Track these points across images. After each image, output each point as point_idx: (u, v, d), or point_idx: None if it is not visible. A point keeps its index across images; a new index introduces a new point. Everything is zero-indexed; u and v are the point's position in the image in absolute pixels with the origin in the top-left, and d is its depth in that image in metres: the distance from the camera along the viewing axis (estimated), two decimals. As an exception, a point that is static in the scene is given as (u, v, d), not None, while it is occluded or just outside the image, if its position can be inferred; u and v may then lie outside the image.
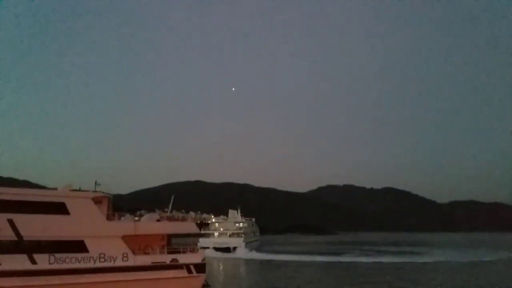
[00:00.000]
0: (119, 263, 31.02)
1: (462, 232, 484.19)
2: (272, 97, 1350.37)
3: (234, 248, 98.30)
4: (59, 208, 30.36)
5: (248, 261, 75.75)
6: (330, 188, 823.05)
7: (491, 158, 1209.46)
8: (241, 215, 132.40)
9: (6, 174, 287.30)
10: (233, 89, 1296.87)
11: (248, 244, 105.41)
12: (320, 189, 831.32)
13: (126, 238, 32.07)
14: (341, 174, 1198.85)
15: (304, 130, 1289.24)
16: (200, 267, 34.82)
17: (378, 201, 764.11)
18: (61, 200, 30.67)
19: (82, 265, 29.72)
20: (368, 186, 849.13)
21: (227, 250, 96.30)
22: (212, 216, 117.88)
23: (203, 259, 35.66)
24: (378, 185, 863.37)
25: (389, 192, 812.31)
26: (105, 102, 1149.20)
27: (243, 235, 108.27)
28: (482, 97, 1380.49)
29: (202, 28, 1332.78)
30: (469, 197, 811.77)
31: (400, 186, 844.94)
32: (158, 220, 36.00)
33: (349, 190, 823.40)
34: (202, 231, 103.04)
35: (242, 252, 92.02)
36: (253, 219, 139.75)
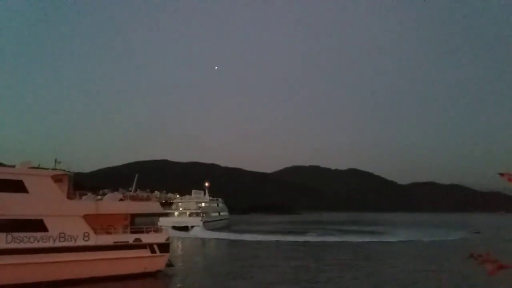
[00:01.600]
0: (80, 242, 30.53)
1: (421, 212, 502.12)
2: (240, 77, 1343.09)
3: (192, 227, 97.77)
4: (17, 186, 29.39)
5: (209, 241, 75.95)
6: (296, 169, 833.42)
7: (450, 141, 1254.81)
8: (209, 195, 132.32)
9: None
10: (216, 67, 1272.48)
11: (207, 224, 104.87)
12: (286, 169, 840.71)
13: (88, 218, 31.52)
14: (308, 155, 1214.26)
15: (271, 111, 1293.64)
16: (164, 247, 34.79)
17: (342, 181, 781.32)
18: (19, 177, 29.68)
19: (41, 245, 29.06)
20: (333, 167, 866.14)
21: (185, 229, 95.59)
22: (178, 196, 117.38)
23: (167, 239, 35.63)
24: (342, 166, 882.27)
25: (353, 173, 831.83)
26: (70, 77, 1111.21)
27: (203, 215, 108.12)
28: (440, 81, 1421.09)
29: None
30: (429, 178, 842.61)
31: (363, 167, 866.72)
32: (121, 200, 35.58)
33: (315, 171, 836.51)
34: (165, 211, 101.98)
35: (197, 231, 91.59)
36: (219, 199, 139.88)
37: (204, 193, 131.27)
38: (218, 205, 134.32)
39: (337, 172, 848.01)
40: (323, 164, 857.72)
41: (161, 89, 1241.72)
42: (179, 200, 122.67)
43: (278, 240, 73.03)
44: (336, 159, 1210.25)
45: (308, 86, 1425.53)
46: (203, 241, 75.58)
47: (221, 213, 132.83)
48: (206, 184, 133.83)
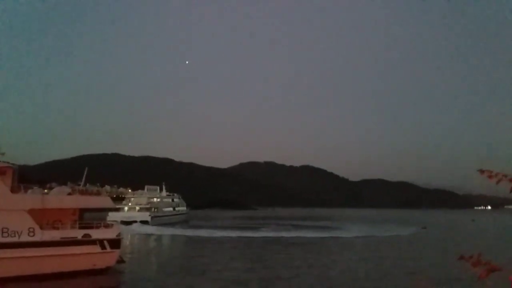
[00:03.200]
0: (25, 238, 29.15)
1: (371, 208, 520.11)
2: (195, 73, 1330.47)
3: (144, 222, 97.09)
4: None
5: (162, 237, 74.61)
6: (251, 165, 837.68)
7: (398, 140, 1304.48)
8: (165, 191, 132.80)
9: None
10: (187, 62, 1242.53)
11: (156, 219, 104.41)
12: (241, 165, 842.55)
13: (33, 212, 30.13)
14: (263, 152, 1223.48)
15: (227, 107, 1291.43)
16: (115, 243, 33.87)
17: (296, 178, 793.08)
18: (-42, 170, 27.95)
19: (-18, 240, 27.49)
20: (287, 164, 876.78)
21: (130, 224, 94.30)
22: (130, 190, 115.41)
23: (118, 235, 34.72)
24: (297, 163, 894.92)
25: (307, 170, 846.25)
26: (21, 65, 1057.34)
27: (155, 210, 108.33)
28: (393, 80, 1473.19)
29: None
30: (378, 176, 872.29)
31: (317, 164, 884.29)
32: (69, 194, 34.30)
33: (270, 167, 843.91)
34: (117, 206, 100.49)
35: (137, 227, 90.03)
36: (175, 194, 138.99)
37: (161, 189, 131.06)
38: (173, 200, 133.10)
39: (291, 168, 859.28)
40: (278, 160, 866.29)
41: (115, 81, 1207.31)
42: (131, 195, 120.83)
43: (231, 236, 72.79)
44: (291, 156, 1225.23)
45: (265, 82, 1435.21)
46: (158, 237, 74.21)
47: (176, 208, 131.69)
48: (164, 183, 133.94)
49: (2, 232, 28.36)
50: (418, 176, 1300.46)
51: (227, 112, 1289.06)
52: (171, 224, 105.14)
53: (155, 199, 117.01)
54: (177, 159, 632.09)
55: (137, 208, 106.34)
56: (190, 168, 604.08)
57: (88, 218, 36.41)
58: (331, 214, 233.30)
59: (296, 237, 71.47)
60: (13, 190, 30.74)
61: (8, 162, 31.32)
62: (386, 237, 75.24)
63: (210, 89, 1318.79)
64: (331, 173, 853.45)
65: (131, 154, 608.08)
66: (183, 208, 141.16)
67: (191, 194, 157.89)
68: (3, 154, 31.72)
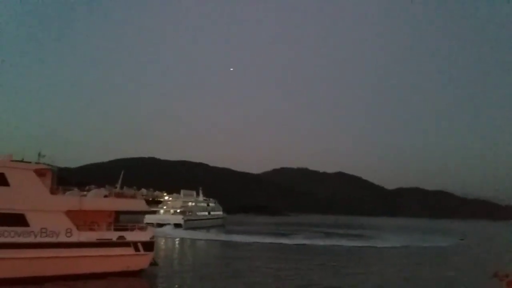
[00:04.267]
0: (62, 238, 29.87)
1: (407, 217, 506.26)
2: (230, 79, 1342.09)
3: (178, 225, 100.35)
4: None
5: (196, 241, 75.00)
6: (284, 171, 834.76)
7: (437, 148, 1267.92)
8: (202, 195, 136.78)
9: None
10: (231, 69, 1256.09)
11: (190, 222, 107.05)
12: (274, 171, 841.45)
13: (71, 213, 30.88)
14: (296, 158, 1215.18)
15: (261, 113, 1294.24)
16: (148, 245, 34.26)
17: (329, 185, 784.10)
18: (0, 170, 28.97)
19: (22, 239, 28.39)
20: (321, 170, 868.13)
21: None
22: (165, 194, 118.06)
23: (152, 237, 35.12)
24: (331, 169, 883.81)
25: (341, 177, 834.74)
26: (59, 71, 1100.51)
27: (189, 213, 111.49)
28: (426, 88, 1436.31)
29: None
30: (415, 184, 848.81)
31: (351, 171, 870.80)
32: (106, 196, 35.03)
33: (303, 173, 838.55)
34: (152, 209, 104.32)
35: (169, 229, 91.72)
36: (211, 199, 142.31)
37: (198, 193, 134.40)
38: (208, 204, 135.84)
39: (325, 175, 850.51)
40: (312, 167, 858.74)
41: (152, 88, 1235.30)
42: (168, 199, 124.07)
43: (264, 242, 72.36)
44: (324, 162, 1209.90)
45: (301, 89, 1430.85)
46: (191, 241, 74.82)
47: (211, 213, 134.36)
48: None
49: (41, 232, 29.17)
50: (457, 185, 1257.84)
51: (260, 118, 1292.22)
52: (206, 228, 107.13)
53: (189, 203, 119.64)
54: (211, 164, 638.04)
55: (172, 211, 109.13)
56: (224, 173, 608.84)
57: (124, 220, 37.05)
58: (365, 223, 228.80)
59: (329, 246, 70.09)
60: (52, 191, 31.61)
61: (48, 164, 32.26)
62: (423, 248, 72.93)
63: (244, 94, 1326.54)
64: (366, 181, 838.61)
65: (167, 158, 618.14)
66: (219, 213, 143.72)
67: (224, 199, 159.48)
68: (43, 156, 32.71)
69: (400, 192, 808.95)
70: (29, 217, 28.93)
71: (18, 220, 28.61)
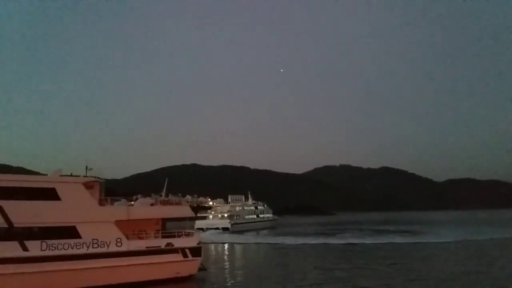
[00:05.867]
0: (113, 248, 30.58)
1: (460, 210, 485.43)
2: (267, 80, 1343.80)
3: (225, 229, 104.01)
4: (50, 194, 29.74)
5: (245, 245, 74.90)
6: (326, 169, 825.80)
7: (488, 136, 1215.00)
8: (251, 199, 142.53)
9: (1, 160, 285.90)
10: (281, 70, 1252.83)
11: (237, 225, 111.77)
12: (316, 170, 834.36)
13: (119, 223, 31.58)
14: (338, 155, 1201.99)
15: (299, 111, 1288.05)
16: (196, 251, 34.57)
17: (375, 180, 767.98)
18: (52, 185, 30.01)
19: (75, 251, 29.25)
20: (365, 166, 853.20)
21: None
22: (209, 199, 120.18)
23: (199, 243, 35.41)
24: (375, 164, 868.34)
25: (386, 172, 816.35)
26: (101, 85, 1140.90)
27: (237, 217, 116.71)
28: (478, 75, 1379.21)
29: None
30: (466, 175, 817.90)
31: (396, 165, 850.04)
32: (152, 205, 35.64)
33: (346, 170, 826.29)
34: (200, 214, 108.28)
35: (209, 234, 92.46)
36: (259, 202, 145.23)
37: (246, 197, 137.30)
38: (257, 207, 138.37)
39: (369, 170, 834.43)
40: (354, 163, 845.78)
41: (189, 95, 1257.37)
42: (216, 204, 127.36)
43: (312, 243, 71.12)
44: (367, 158, 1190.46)
45: (334, 86, 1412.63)
46: (239, 244, 74.76)
47: (260, 216, 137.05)
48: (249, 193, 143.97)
49: (93, 243, 29.98)
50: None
51: (299, 116, 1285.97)
52: (255, 231, 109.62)
53: (237, 207, 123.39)
54: (252, 166, 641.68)
55: (220, 216, 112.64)
56: (266, 175, 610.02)
57: (170, 227, 37.59)
58: (415, 218, 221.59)
59: (381, 244, 67.71)
60: (101, 203, 32.50)
61: (95, 177, 33.19)
62: (482, 241, 68.94)
63: (281, 96, 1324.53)
64: (413, 174, 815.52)
65: (209, 164, 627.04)
66: (269, 215, 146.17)
67: (267, 201, 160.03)
68: (90, 169, 33.68)
69: (450, 184, 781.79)
70: (81, 229, 29.79)
71: (71, 232, 29.53)
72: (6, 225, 27.91)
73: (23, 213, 28.38)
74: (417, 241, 70.96)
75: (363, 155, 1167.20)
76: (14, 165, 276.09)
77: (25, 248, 28.00)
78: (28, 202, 29.07)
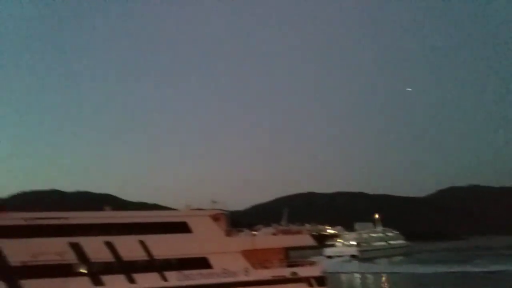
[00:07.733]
0: (241, 277, 31.77)
1: None
2: (378, 99, 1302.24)
3: (353, 256, 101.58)
4: (182, 227, 32.21)
5: (370, 273, 71.64)
6: (452, 190, 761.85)
7: None
8: (381, 226, 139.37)
9: (137, 199, 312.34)
10: (409, 89, 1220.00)
11: (365, 252, 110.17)
12: (441, 191, 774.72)
13: (246, 253, 32.79)
14: (464, 174, 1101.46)
15: (418, 130, 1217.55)
16: (321, 280, 34.29)
17: (509, 200, 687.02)
18: (183, 219, 32.52)
19: (207, 281, 30.99)
20: (496, 185, 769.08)
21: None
22: (329, 227, 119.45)
23: (323, 272, 35.10)
24: (508, 182, 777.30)
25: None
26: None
27: (364, 244, 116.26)
28: None
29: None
30: None
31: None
32: (274, 234, 36.45)
33: (475, 191, 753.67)
34: (327, 242, 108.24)
35: (330, 264, 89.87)
36: (387, 228, 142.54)
37: (374, 224, 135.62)
38: (386, 234, 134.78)
39: (502, 189, 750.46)
40: (484, 182, 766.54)
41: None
42: (345, 233, 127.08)
43: (443, 271, 65.47)
44: (498, 176, 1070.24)
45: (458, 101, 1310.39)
46: (368, 274, 71.47)
47: (390, 242, 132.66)
48: (376, 216, 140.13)
49: (223, 273, 31.54)
50: None
51: (416, 139, 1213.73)
52: (386, 257, 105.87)
53: (364, 235, 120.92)
54: (370, 192, 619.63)
55: (347, 243, 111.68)
56: (385, 199, 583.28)
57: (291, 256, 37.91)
58: None
59: None
60: (227, 233, 34.18)
61: (221, 210, 35.18)
62: None
63: (390, 119, 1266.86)
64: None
65: (325, 192, 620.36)
66: (400, 242, 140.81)
67: (388, 227, 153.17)
68: (215, 202, 35.86)
69: None
70: (211, 259, 31.62)
71: (202, 263, 31.51)
72: (147, 258, 30.76)
73: (160, 246, 31.09)
74: None
75: (494, 173, 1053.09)
76: (149, 202, 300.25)
77: (164, 279, 30.48)
78: (164, 235, 31.78)
